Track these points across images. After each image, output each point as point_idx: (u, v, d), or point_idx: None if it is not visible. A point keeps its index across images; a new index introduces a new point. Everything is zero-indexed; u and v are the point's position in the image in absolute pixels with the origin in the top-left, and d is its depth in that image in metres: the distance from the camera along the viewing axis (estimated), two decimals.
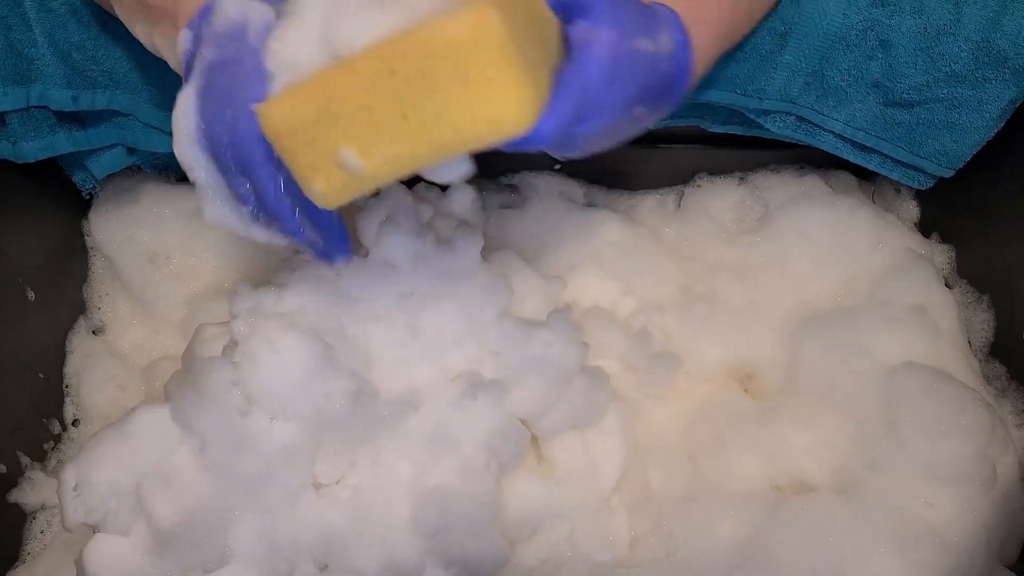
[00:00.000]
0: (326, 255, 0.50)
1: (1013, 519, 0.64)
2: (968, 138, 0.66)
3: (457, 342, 0.60)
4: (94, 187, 0.74)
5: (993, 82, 0.63)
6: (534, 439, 0.65)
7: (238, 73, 0.43)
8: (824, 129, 0.69)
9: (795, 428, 0.68)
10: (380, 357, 0.59)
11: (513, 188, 0.83)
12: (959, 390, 0.66)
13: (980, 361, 0.73)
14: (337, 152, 0.40)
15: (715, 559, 0.64)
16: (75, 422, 0.76)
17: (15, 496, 0.70)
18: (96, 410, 0.75)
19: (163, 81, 0.67)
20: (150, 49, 0.53)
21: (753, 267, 0.77)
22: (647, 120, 0.48)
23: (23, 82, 0.62)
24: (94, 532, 0.55)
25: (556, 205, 0.79)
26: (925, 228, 0.80)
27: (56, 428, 0.75)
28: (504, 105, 0.38)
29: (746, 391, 0.74)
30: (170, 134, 0.68)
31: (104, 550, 0.54)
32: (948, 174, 0.69)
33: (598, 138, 0.45)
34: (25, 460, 0.71)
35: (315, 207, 0.45)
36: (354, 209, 0.61)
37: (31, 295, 0.74)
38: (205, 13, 0.45)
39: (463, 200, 0.68)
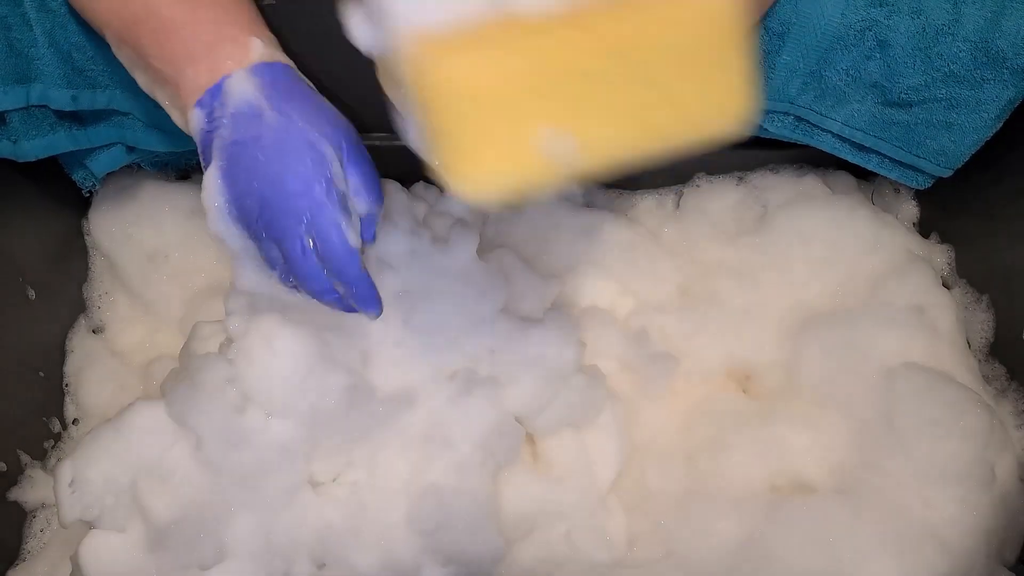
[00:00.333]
0: (358, 308, 0.52)
1: (1012, 519, 0.64)
2: (966, 138, 0.66)
3: (453, 340, 0.60)
4: (94, 185, 0.75)
5: (991, 82, 0.63)
6: (530, 437, 0.65)
7: (259, 150, 0.47)
8: (822, 129, 0.69)
9: (794, 428, 0.68)
10: (376, 355, 0.59)
11: None
12: (958, 391, 0.66)
13: (979, 361, 0.73)
14: (537, 129, 0.34)
15: (713, 559, 0.64)
16: (75, 421, 0.76)
17: (15, 494, 0.70)
18: (96, 409, 0.75)
19: None
20: (149, 94, 0.56)
21: (752, 267, 0.76)
22: None
23: (23, 81, 0.63)
24: (90, 528, 0.55)
25: (555, 205, 0.79)
26: (924, 228, 0.80)
27: (56, 427, 0.75)
28: (740, 99, 0.34)
29: (745, 391, 0.74)
30: (169, 132, 0.69)
31: (100, 546, 0.54)
32: (947, 174, 0.69)
33: None
34: (25, 458, 0.71)
35: (342, 263, 0.47)
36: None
37: (31, 294, 0.74)
38: (216, 93, 0.49)
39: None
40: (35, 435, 0.73)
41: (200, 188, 0.79)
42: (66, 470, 0.55)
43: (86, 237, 0.80)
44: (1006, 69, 0.62)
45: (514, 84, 0.33)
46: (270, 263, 0.51)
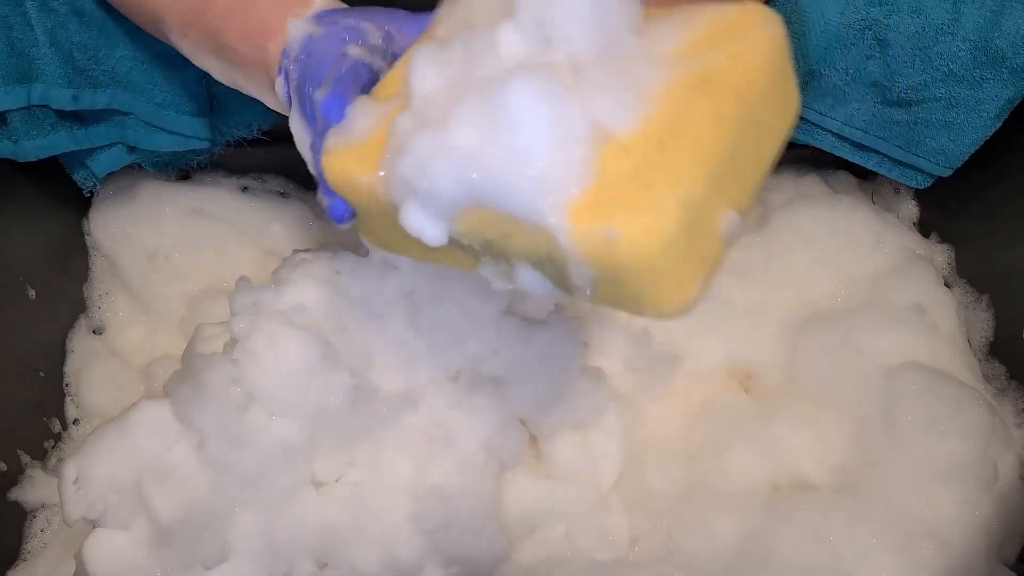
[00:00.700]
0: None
1: (1013, 518, 0.64)
2: (966, 137, 0.66)
3: (457, 341, 0.60)
4: (95, 185, 0.75)
5: (991, 81, 0.63)
6: (533, 438, 0.65)
7: (313, 65, 0.46)
8: (822, 128, 0.70)
9: (795, 428, 0.68)
10: (380, 355, 0.59)
11: None
12: (959, 390, 0.66)
13: (980, 361, 0.73)
14: (717, 220, 0.35)
15: (714, 558, 0.64)
16: (75, 421, 0.76)
17: (15, 494, 0.70)
18: (96, 409, 0.75)
19: (163, 81, 0.67)
20: (224, 81, 0.54)
21: (753, 267, 0.76)
22: None
23: (24, 81, 0.63)
24: (94, 527, 0.55)
25: None
26: (924, 228, 0.80)
27: (56, 427, 0.75)
28: (795, 100, 0.39)
29: (746, 391, 0.74)
30: (170, 132, 0.69)
31: (104, 545, 0.54)
32: (946, 173, 0.70)
33: None
34: (26, 458, 0.71)
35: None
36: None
37: (32, 294, 0.74)
38: (285, 53, 0.48)
39: None
40: (35, 435, 0.73)
41: (202, 189, 0.80)
42: (70, 469, 0.55)
43: (86, 237, 0.80)
44: (1005, 68, 0.62)
45: (705, 192, 0.35)
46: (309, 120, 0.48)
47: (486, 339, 0.61)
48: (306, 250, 0.64)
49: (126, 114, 0.68)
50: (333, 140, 0.41)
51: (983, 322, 0.74)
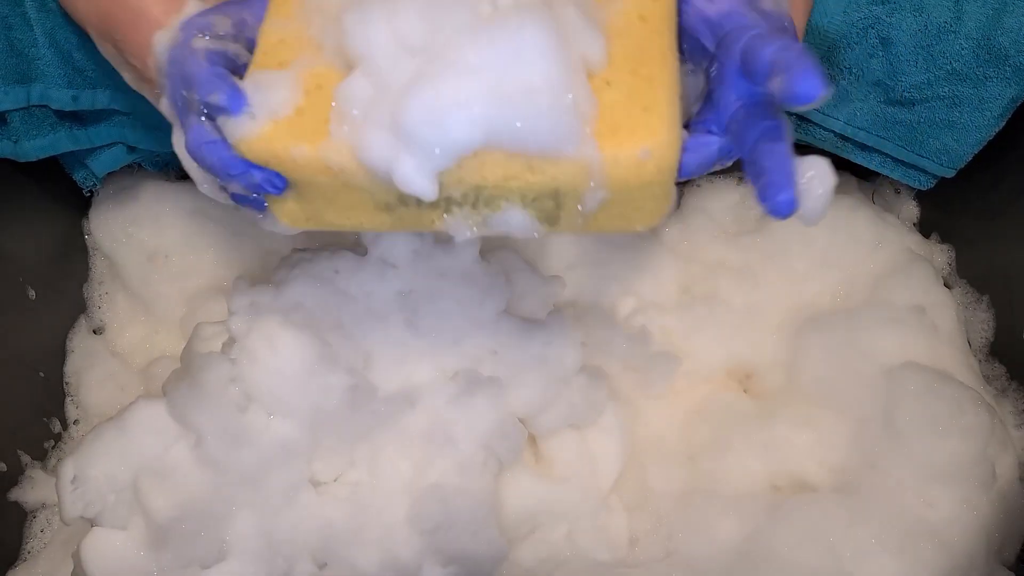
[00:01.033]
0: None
1: (1012, 519, 0.64)
2: (969, 137, 0.66)
3: (455, 340, 0.60)
4: (95, 185, 0.75)
5: (994, 80, 0.63)
6: (532, 438, 0.65)
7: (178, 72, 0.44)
8: (825, 128, 0.69)
9: (795, 428, 0.68)
10: (378, 355, 0.59)
11: None
12: (958, 390, 0.66)
13: (980, 361, 0.73)
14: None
15: (714, 559, 0.64)
16: (75, 421, 0.76)
17: (15, 495, 0.70)
18: (96, 409, 0.75)
19: None
20: (139, 91, 0.53)
21: (753, 267, 0.76)
22: None
23: (24, 81, 0.63)
24: (92, 526, 0.55)
25: None
26: (925, 228, 0.80)
27: (56, 427, 0.75)
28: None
29: (745, 391, 0.74)
30: (170, 132, 0.69)
31: (102, 544, 0.54)
32: (949, 174, 0.69)
33: None
34: (26, 459, 0.71)
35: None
36: None
37: (32, 294, 0.74)
38: (159, 70, 0.46)
39: None
40: (35, 435, 0.73)
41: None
42: (68, 468, 0.55)
43: (86, 237, 0.80)
44: (1008, 66, 0.62)
45: None
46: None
47: (485, 338, 0.61)
48: (304, 249, 0.64)
49: (126, 114, 0.68)
50: (248, 123, 0.40)
51: (983, 322, 0.74)
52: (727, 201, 0.80)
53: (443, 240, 0.61)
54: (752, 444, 0.68)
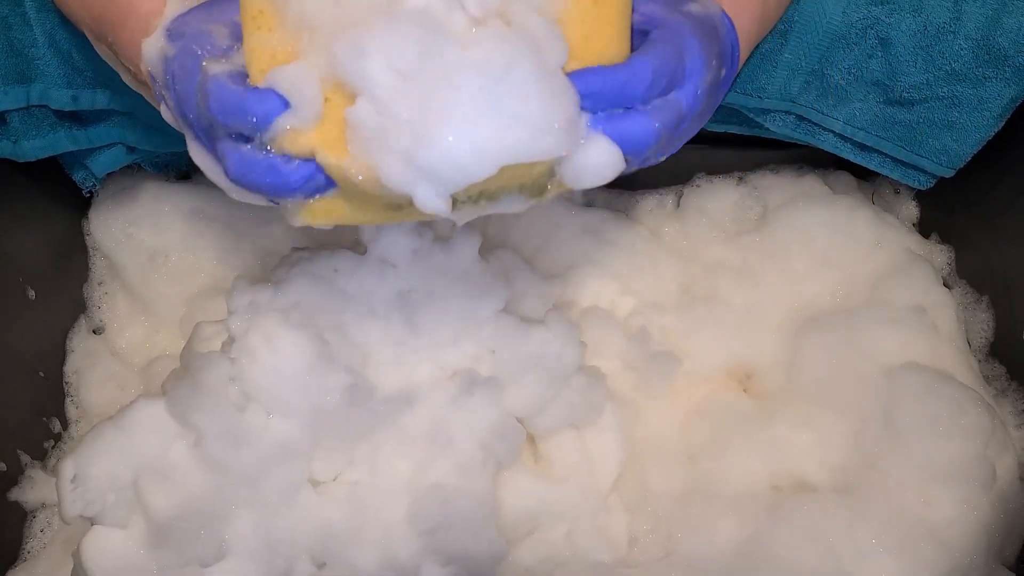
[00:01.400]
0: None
1: (1012, 519, 0.64)
2: (969, 137, 0.66)
3: (455, 340, 0.60)
4: (94, 186, 0.75)
5: (993, 80, 0.63)
6: (531, 438, 0.65)
7: (184, 93, 0.43)
8: (824, 128, 0.69)
9: (795, 428, 0.68)
10: (377, 354, 0.59)
11: None
12: (958, 390, 0.66)
13: (980, 361, 0.73)
14: None
15: (714, 559, 0.64)
16: (76, 421, 0.76)
17: (15, 495, 0.70)
18: (96, 409, 0.75)
19: None
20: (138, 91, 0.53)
21: (752, 267, 0.76)
22: (713, 105, 0.47)
23: (23, 81, 0.63)
24: (92, 525, 0.55)
25: (555, 204, 0.79)
26: (924, 228, 0.80)
27: (56, 427, 0.75)
28: None
29: (745, 391, 0.74)
30: (170, 133, 0.69)
31: (101, 543, 0.54)
32: (949, 174, 0.69)
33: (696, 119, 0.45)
34: (25, 459, 0.71)
35: None
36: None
37: (31, 294, 0.74)
38: (152, 78, 0.45)
39: None
40: (35, 435, 0.73)
41: (201, 189, 0.80)
42: (68, 467, 0.55)
43: (86, 237, 0.80)
44: (1008, 67, 0.62)
45: None
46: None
47: (484, 338, 0.61)
48: (304, 248, 0.64)
49: (126, 114, 0.68)
50: (291, 121, 0.40)
51: (983, 323, 0.74)
52: (727, 201, 0.80)
53: (443, 239, 0.61)
54: (752, 444, 0.68)
